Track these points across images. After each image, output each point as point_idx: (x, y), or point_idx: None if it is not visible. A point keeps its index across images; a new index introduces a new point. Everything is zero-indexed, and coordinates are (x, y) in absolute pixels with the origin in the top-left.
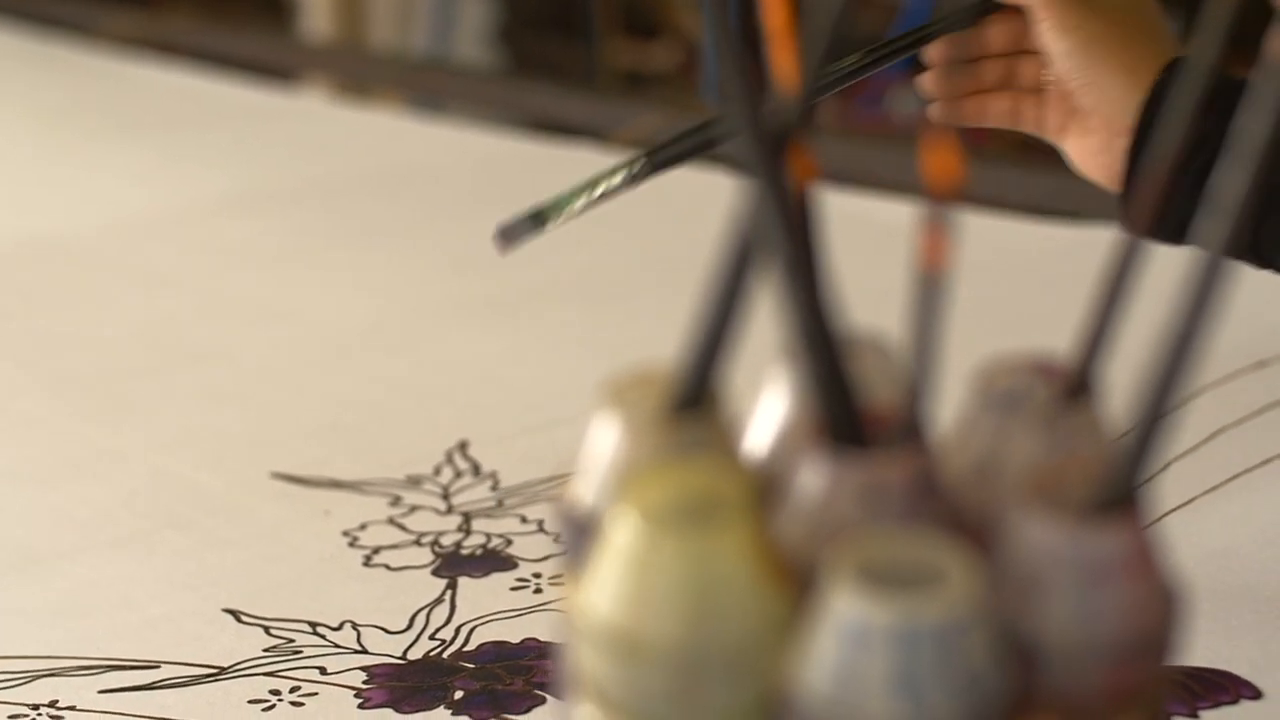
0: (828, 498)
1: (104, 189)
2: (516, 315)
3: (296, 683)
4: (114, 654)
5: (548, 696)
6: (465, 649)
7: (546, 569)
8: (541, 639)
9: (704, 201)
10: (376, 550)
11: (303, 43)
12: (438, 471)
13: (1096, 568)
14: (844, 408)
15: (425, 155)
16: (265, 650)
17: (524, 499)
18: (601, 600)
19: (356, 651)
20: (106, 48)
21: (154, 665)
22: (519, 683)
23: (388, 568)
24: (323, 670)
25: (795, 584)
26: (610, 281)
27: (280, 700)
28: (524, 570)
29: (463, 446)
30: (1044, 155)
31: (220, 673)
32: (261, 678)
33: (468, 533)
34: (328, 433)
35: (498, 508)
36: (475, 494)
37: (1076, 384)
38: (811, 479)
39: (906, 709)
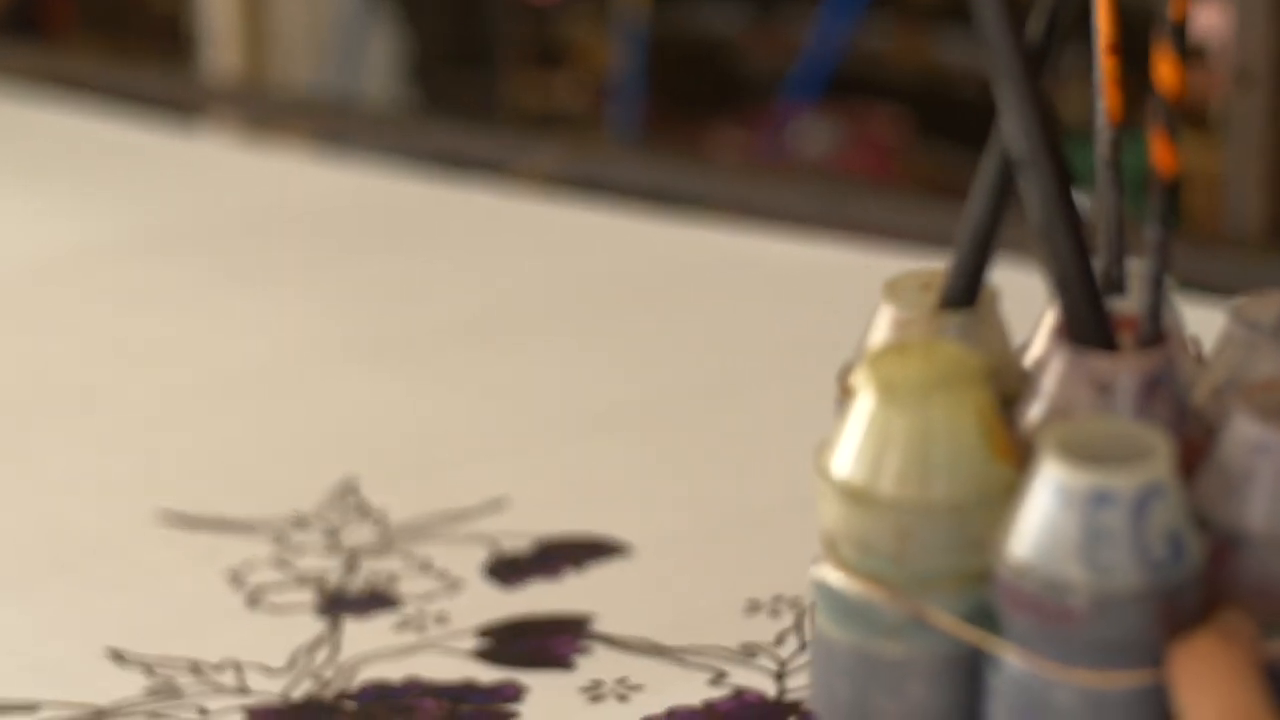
0: (1062, 388)
1: None
2: (408, 356)
3: None
4: None
5: None
6: (347, 689)
7: (431, 608)
8: (424, 678)
9: (595, 243)
10: (261, 590)
11: (205, 80)
12: (325, 511)
13: None
14: (1086, 307)
15: (321, 197)
16: (146, 691)
17: (411, 539)
18: (840, 456)
19: (238, 691)
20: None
21: (33, 707)
22: None
23: (272, 607)
24: (203, 710)
25: (1019, 459)
26: (503, 323)
27: None
28: (409, 609)
29: (351, 486)
30: (947, 191)
31: (100, 714)
32: (141, 718)
33: (353, 571)
34: (215, 473)
35: (384, 547)
36: (362, 533)
37: None
38: (1050, 370)
39: (1091, 576)
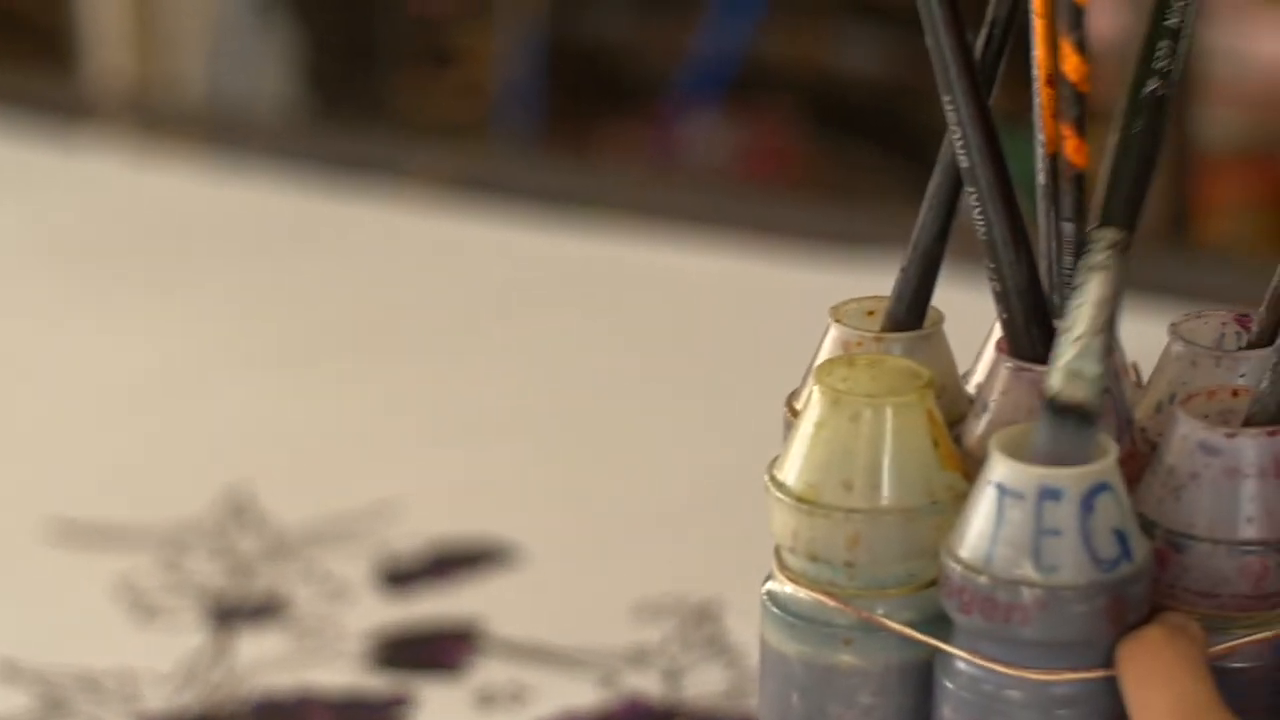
0: (1005, 400)
1: None
2: (299, 363)
3: None
4: None
5: None
6: (239, 697)
7: (323, 616)
8: (315, 687)
9: (485, 249)
10: (151, 598)
11: (92, 85)
12: (216, 518)
13: (1241, 469)
14: (1030, 320)
15: (208, 205)
16: (38, 700)
17: (302, 546)
18: (789, 466)
19: (129, 700)
20: None
21: None
22: None
23: (163, 616)
24: None
25: (964, 468)
26: (393, 329)
27: None
28: (302, 617)
29: (242, 493)
30: (829, 190)
31: None
32: None
33: (246, 578)
34: (104, 481)
35: (276, 554)
36: (255, 541)
37: (1265, 332)
38: (994, 384)
39: (1039, 573)
